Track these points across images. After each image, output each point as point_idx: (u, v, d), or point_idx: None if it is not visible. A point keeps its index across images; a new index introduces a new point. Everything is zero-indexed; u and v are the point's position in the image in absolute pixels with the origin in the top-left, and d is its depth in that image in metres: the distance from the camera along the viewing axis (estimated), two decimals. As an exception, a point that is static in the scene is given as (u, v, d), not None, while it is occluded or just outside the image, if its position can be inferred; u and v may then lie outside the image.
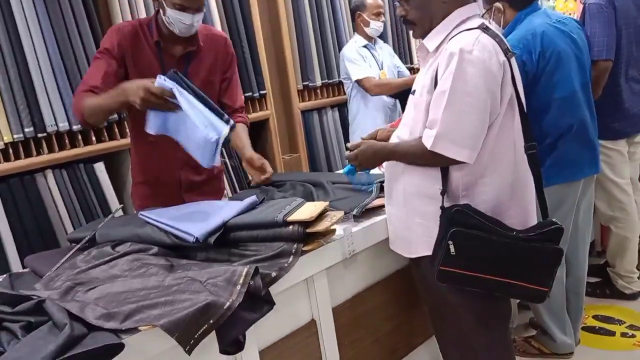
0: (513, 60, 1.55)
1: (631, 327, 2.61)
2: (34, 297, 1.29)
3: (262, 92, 3.15)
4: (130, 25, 1.98)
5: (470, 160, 1.49)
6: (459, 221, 1.47)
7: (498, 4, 2.31)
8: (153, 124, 1.71)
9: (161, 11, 1.92)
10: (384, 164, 1.73)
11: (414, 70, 3.93)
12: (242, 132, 2.11)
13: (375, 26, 3.24)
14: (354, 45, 3.28)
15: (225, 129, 1.65)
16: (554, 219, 1.55)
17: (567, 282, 2.39)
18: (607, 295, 2.90)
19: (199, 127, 1.62)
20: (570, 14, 6.14)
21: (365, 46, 3.28)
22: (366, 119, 3.25)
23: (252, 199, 1.73)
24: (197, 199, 2.01)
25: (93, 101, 1.79)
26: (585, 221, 2.41)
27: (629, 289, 2.86)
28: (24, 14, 2.25)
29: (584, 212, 2.39)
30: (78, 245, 1.71)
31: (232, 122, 1.72)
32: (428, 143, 1.49)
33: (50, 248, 2.21)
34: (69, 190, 2.39)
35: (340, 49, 3.61)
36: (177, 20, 1.88)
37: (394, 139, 1.70)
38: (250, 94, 3.08)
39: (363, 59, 3.21)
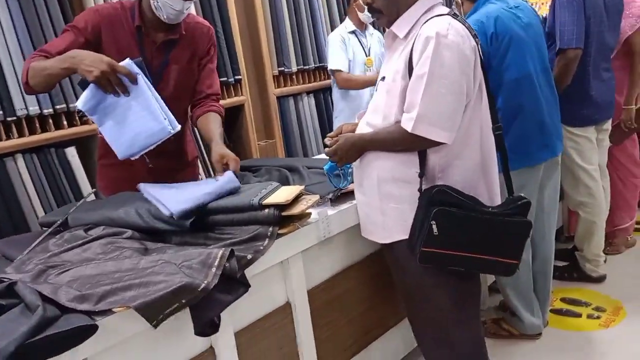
0: (480, 45, 1.59)
1: (597, 308, 2.70)
2: (5, 280, 1.27)
3: (237, 77, 3.13)
4: (111, 7, 1.91)
5: (449, 141, 1.51)
6: (440, 201, 1.50)
7: None
8: (86, 101, 1.68)
9: None
10: None
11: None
12: (214, 121, 2.01)
13: (361, 16, 3.24)
14: (341, 31, 3.30)
15: (178, 127, 1.73)
16: (521, 194, 1.60)
17: (535, 265, 2.46)
18: (575, 279, 2.98)
19: (157, 116, 1.67)
20: (543, 3, 6.24)
21: (353, 32, 3.27)
22: (348, 104, 3.27)
23: (235, 182, 1.70)
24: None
25: (40, 63, 1.70)
26: (551, 204, 2.46)
27: (595, 272, 2.94)
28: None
29: (549, 196, 2.45)
30: (50, 229, 1.69)
31: (178, 127, 1.74)
32: (408, 126, 1.50)
33: (21, 233, 2.18)
34: (39, 174, 2.35)
35: (315, 35, 3.62)
36: (166, 6, 1.83)
37: (362, 127, 1.71)
38: (225, 79, 3.06)
39: (344, 47, 3.21)
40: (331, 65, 3.23)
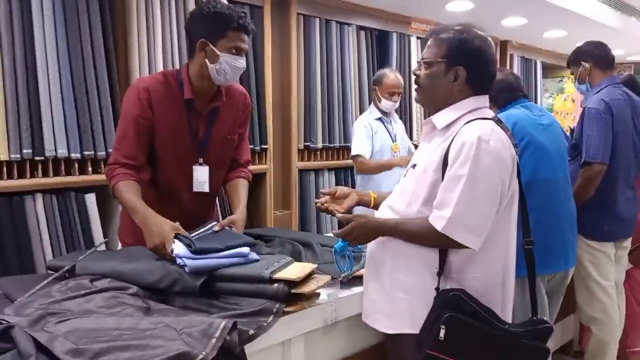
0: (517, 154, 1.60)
1: None
2: (2, 322, 1.25)
3: (263, 146, 3.20)
4: (157, 81, 1.91)
5: (476, 247, 1.48)
6: (454, 306, 1.45)
7: None
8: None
9: (207, 61, 1.84)
10: None
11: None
12: (241, 188, 2.08)
13: (386, 104, 3.31)
14: (367, 118, 3.35)
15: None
16: (545, 318, 1.55)
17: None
18: (584, 399, 2.84)
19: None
20: (567, 113, 6.38)
21: (379, 119, 3.34)
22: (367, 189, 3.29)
23: (252, 255, 1.68)
24: None
25: (123, 195, 1.81)
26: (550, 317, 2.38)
27: (606, 394, 2.80)
28: (44, 43, 2.31)
29: (552, 312, 2.38)
30: (56, 274, 1.67)
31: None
32: (439, 225, 1.47)
33: (27, 272, 2.17)
34: (55, 216, 2.37)
35: (344, 116, 3.71)
36: (232, 66, 1.84)
37: (384, 210, 1.69)
38: (252, 146, 3.12)
39: (369, 134, 3.27)
40: (353, 150, 3.29)
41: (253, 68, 3.15)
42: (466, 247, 1.49)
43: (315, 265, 1.64)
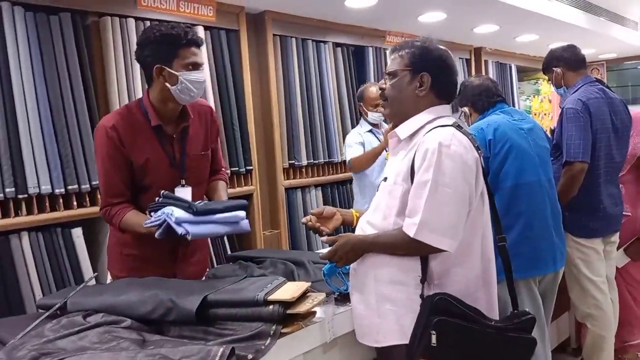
0: (482, 156, 1.63)
1: None
2: (-5, 367, 1.22)
3: (248, 167, 3.20)
4: (121, 116, 1.90)
5: (451, 249, 1.51)
6: (442, 309, 1.47)
7: (465, 109, 2.49)
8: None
9: (168, 85, 1.85)
10: None
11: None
12: (221, 188, 2.14)
13: (372, 116, 3.34)
14: (357, 130, 3.40)
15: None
16: (526, 309, 1.57)
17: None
18: (584, 396, 2.85)
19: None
20: (545, 114, 6.48)
21: (369, 131, 3.37)
22: (363, 199, 3.30)
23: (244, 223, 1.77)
24: (187, 269, 2.03)
25: (128, 221, 1.87)
26: (543, 319, 2.39)
27: (606, 389, 2.81)
28: (21, 78, 2.30)
29: (546, 314, 2.40)
30: (47, 313, 1.65)
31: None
32: (411, 231, 1.51)
33: (17, 314, 2.13)
34: (42, 254, 2.33)
35: (327, 132, 3.73)
36: (193, 82, 1.85)
37: (362, 224, 1.71)
38: (237, 169, 3.12)
39: (361, 142, 3.30)
40: (347, 157, 3.31)
41: (233, 91, 3.16)
42: (442, 251, 1.51)
43: (309, 284, 1.63)
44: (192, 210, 1.61)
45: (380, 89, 1.72)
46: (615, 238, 2.89)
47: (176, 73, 1.83)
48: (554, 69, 2.87)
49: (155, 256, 1.96)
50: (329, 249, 1.68)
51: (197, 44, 1.88)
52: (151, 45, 1.84)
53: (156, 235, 1.71)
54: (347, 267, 1.74)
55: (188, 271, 2.05)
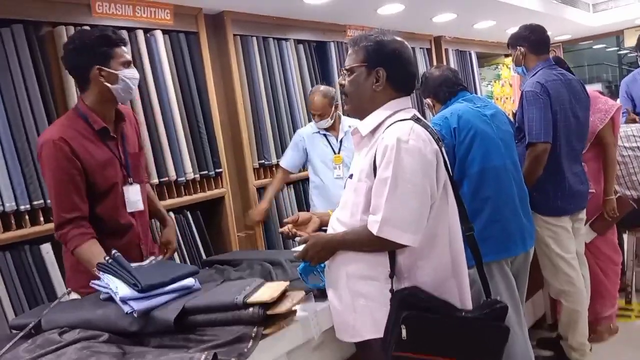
0: (443, 148, 1.65)
1: (587, 401, 2.62)
2: (-29, 394, 1.19)
3: (217, 170, 3.17)
4: (64, 127, 1.91)
5: (414, 244, 1.53)
6: (410, 304, 1.49)
7: (427, 100, 2.53)
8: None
9: (108, 84, 1.90)
10: None
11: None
12: (155, 198, 2.32)
13: (317, 124, 3.26)
14: (304, 131, 3.37)
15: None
16: (497, 298, 1.60)
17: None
18: (562, 370, 2.92)
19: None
20: (507, 98, 6.61)
21: (319, 132, 3.30)
22: (320, 199, 3.31)
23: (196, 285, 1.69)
24: None
25: (84, 255, 1.86)
26: (521, 302, 2.45)
27: (582, 362, 2.89)
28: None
29: (520, 293, 2.45)
30: (21, 333, 1.60)
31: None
32: (374, 228, 1.52)
33: (-11, 337, 2.06)
34: (12, 273, 2.27)
35: (294, 130, 3.72)
36: (131, 79, 1.94)
37: (333, 222, 1.73)
38: (206, 172, 3.09)
39: (296, 147, 3.32)
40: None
41: (197, 94, 3.12)
42: (405, 246, 1.53)
43: (287, 283, 1.63)
44: (138, 288, 1.55)
45: (340, 85, 1.73)
46: (583, 215, 2.97)
47: (116, 72, 1.90)
48: (518, 47, 2.92)
49: None
50: (301, 248, 1.69)
51: (125, 42, 1.98)
52: (87, 50, 1.88)
53: (100, 297, 1.68)
54: (322, 265, 1.75)
55: None
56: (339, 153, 3.29)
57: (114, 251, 1.70)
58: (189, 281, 1.67)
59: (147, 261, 1.78)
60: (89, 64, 1.89)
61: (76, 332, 1.54)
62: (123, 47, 1.95)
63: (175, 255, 2.52)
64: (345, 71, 1.69)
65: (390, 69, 1.63)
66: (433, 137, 1.60)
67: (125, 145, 2.03)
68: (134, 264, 1.70)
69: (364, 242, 1.59)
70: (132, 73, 1.95)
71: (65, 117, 1.98)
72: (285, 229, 1.93)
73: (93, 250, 1.85)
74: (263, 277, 1.85)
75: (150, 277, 1.60)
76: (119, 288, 1.58)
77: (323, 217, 1.98)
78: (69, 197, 1.86)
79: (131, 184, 2.02)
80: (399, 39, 1.68)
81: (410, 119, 1.60)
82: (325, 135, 3.30)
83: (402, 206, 1.51)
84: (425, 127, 1.61)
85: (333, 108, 3.23)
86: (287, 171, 3.33)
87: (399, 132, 1.54)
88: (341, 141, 3.32)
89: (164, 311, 1.52)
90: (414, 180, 1.51)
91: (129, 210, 2.01)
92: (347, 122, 3.35)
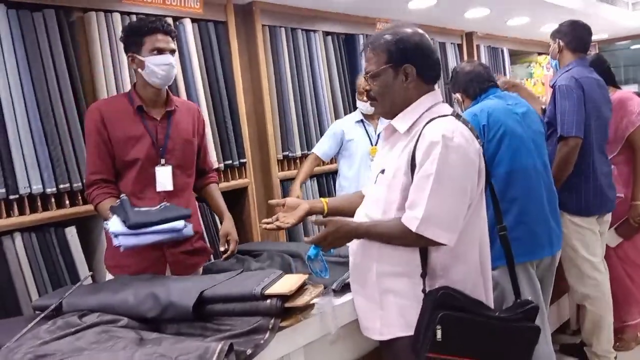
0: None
1: (610, 411, 2.56)
2: (-9, 372, 1.21)
3: (242, 160, 3.17)
4: (107, 101, 2.19)
5: (451, 243, 1.50)
6: (445, 304, 1.46)
7: (457, 96, 2.48)
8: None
9: (140, 70, 2.06)
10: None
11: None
12: (216, 193, 2.37)
13: (360, 105, 3.24)
14: (345, 120, 3.36)
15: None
16: (529, 298, 1.57)
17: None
18: (585, 376, 2.86)
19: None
20: (538, 97, 6.47)
21: (360, 121, 3.28)
22: (345, 188, 3.29)
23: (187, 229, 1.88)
24: (178, 256, 2.12)
25: (104, 207, 1.99)
26: (542, 303, 2.39)
27: (606, 370, 2.82)
28: (7, 77, 2.25)
29: (545, 299, 2.40)
30: (43, 314, 1.63)
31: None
32: (412, 225, 1.48)
33: (12, 316, 2.10)
34: (37, 254, 2.29)
35: (320, 122, 3.69)
36: (158, 65, 2.02)
37: (361, 217, 1.69)
38: (230, 162, 3.09)
39: (333, 136, 3.30)
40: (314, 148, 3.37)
41: (223, 83, 3.12)
42: (441, 245, 1.49)
43: (306, 276, 1.62)
44: (126, 224, 1.73)
45: (366, 90, 1.69)
46: (608, 218, 2.90)
47: (142, 59, 2.03)
48: (558, 40, 2.85)
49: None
50: (316, 234, 1.64)
51: (163, 30, 2.05)
52: (125, 38, 2.09)
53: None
54: (332, 251, 1.72)
55: (178, 257, 2.12)
56: (376, 145, 3.25)
57: (122, 195, 1.94)
58: (178, 224, 1.82)
59: (158, 206, 1.95)
60: (126, 50, 2.10)
61: (95, 316, 1.56)
62: (158, 35, 2.04)
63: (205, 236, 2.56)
64: (369, 77, 1.64)
65: (417, 63, 1.60)
66: (473, 134, 1.57)
67: (168, 128, 2.12)
68: (143, 208, 1.90)
69: (395, 237, 1.54)
70: (159, 60, 2.03)
71: (114, 95, 2.27)
72: (267, 221, 1.88)
73: (109, 205, 1.96)
74: (283, 269, 1.84)
75: (143, 218, 1.77)
76: (112, 223, 1.76)
77: (314, 204, 1.93)
78: (96, 161, 2.04)
79: (163, 165, 2.09)
80: (417, 30, 1.64)
81: (450, 115, 1.56)
82: (364, 124, 3.27)
83: (444, 205, 1.48)
84: (466, 124, 1.57)
85: None
86: (319, 159, 3.32)
87: (443, 129, 1.50)
88: (379, 134, 3.28)
89: (183, 298, 1.53)
90: (458, 179, 1.49)
91: (158, 189, 2.09)
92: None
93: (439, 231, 1.47)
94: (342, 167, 3.36)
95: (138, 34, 2.05)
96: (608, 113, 2.81)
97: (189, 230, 1.90)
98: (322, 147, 3.31)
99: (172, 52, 2.08)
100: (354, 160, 3.26)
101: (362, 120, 3.27)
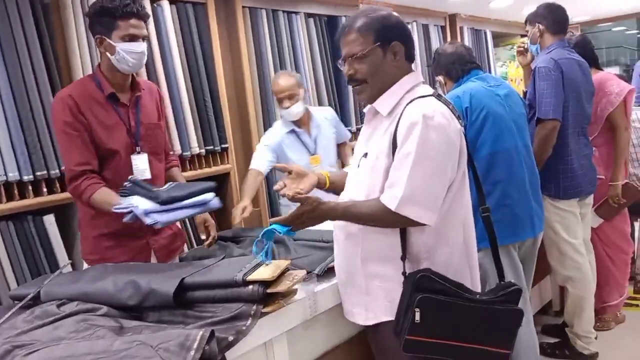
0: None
1: (591, 388, 2.61)
2: (-34, 363, 1.18)
3: (223, 145, 3.13)
4: (76, 87, 2.00)
5: (431, 223, 1.49)
6: (424, 287, 1.45)
7: (439, 78, 2.46)
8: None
9: (108, 54, 1.94)
10: (333, 226, 1.69)
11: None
12: (180, 177, 2.30)
13: (284, 113, 2.84)
14: (277, 127, 2.95)
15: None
16: (512, 280, 1.57)
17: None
18: (567, 357, 2.90)
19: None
20: (521, 80, 6.48)
21: (292, 131, 2.89)
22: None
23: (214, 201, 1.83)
24: (160, 240, 2.10)
25: (100, 198, 1.89)
26: (524, 284, 2.41)
27: (587, 349, 2.86)
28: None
29: (527, 279, 2.42)
30: (20, 304, 1.60)
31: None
32: (392, 204, 1.47)
33: (-10, 306, 2.07)
34: (14, 243, 2.25)
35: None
36: (130, 52, 1.92)
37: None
38: (212, 147, 3.05)
39: (270, 148, 2.85)
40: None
41: (203, 66, 3.06)
42: (420, 224, 1.48)
43: (288, 262, 1.61)
44: (158, 200, 1.64)
45: (348, 75, 1.64)
46: (590, 200, 2.92)
47: (114, 44, 1.91)
48: (537, 24, 2.84)
49: (126, 230, 1.97)
50: (290, 211, 1.57)
51: (138, 15, 1.93)
52: (95, 17, 1.94)
53: (124, 220, 1.71)
54: (293, 233, 1.61)
55: (161, 242, 2.10)
56: (315, 153, 2.93)
57: (131, 176, 1.84)
58: (208, 196, 1.78)
59: (166, 186, 1.89)
60: (94, 32, 1.96)
61: (74, 305, 1.53)
62: (132, 20, 1.92)
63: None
64: (354, 59, 1.59)
65: (403, 40, 1.59)
66: (454, 115, 1.55)
67: (138, 114, 2.05)
68: (154, 188, 1.81)
69: (375, 217, 1.52)
70: (132, 47, 1.93)
71: (79, 80, 2.08)
72: (282, 184, 1.72)
73: (107, 192, 1.89)
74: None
75: (172, 193, 1.71)
76: (140, 203, 1.66)
77: (319, 176, 1.84)
78: (78, 151, 1.92)
79: (139, 152, 2.03)
80: (389, 9, 1.65)
81: (431, 95, 1.55)
82: (297, 133, 2.90)
83: (424, 184, 1.47)
84: (446, 104, 1.56)
85: (302, 90, 2.86)
86: (261, 173, 2.82)
87: (424, 109, 1.49)
88: (315, 139, 2.95)
89: (163, 285, 1.50)
90: (438, 158, 1.47)
91: (137, 176, 2.01)
92: (319, 115, 3.01)
93: (419, 210, 1.47)
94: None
95: (110, 16, 1.91)
96: (589, 95, 2.82)
97: (215, 202, 1.84)
98: (260, 161, 2.84)
99: (144, 38, 1.99)
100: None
101: (293, 130, 2.90)
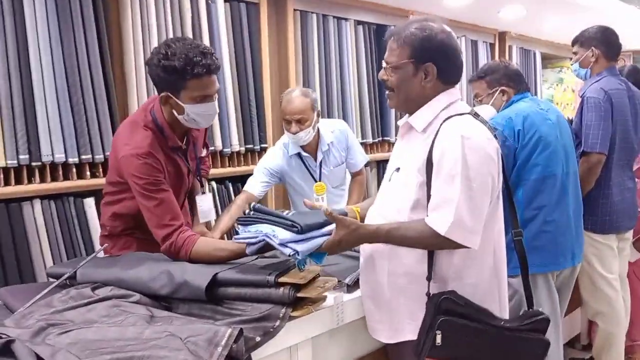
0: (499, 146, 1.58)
1: None
2: (3, 336, 1.22)
3: (263, 145, 3.16)
4: (150, 141, 1.77)
5: (475, 246, 1.46)
6: (447, 309, 1.44)
7: (502, 88, 2.39)
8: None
9: (175, 112, 1.77)
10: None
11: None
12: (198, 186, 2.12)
13: (291, 137, 2.55)
14: (274, 154, 2.67)
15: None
16: (540, 309, 1.54)
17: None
18: (592, 392, 2.83)
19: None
20: (567, 104, 6.35)
21: (297, 154, 2.65)
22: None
23: None
24: None
25: (199, 251, 1.70)
26: (559, 314, 2.36)
27: (613, 387, 2.78)
28: (38, 46, 2.25)
29: (562, 303, 2.36)
30: (57, 282, 1.65)
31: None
32: (442, 229, 1.43)
33: (27, 281, 2.13)
34: (54, 222, 2.32)
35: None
36: (201, 115, 1.76)
37: (374, 217, 1.64)
38: (251, 146, 3.09)
39: (271, 173, 2.63)
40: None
41: (250, 66, 3.10)
42: (465, 247, 1.46)
43: (319, 268, 1.61)
44: (297, 230, 1.48)
45: (382, 80, 1.64)
46: (629, 235, 2.84)
47: (182, 105, 1.73)
48: (592, 48, 2.74)
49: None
50: (327, 236, 1.50)
51: (210, 71, 1.72)
52: (160, 71, 1.70)
53: (247, 251, 1.59)
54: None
55: None
56: (320, 180, 2.70)
57: (253, 203, 1.64)
58: (330, 227, 1.55)
59: (286, 213, 1.64)
60: (161, 86, 1.75)
61: (108, 289, 1.57)
62: (204, 79, 1.71)
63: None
64: (389, 68, 1.58)
65: (439, 63, 1.54)
66: (492, 134, 1.54)
67: (196, 152, 1.92)
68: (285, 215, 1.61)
69: (420, 240, 1.48)
70: (203, 109, 1.75)
71: (145, 127, 1.80)
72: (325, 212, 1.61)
73: (205, 240, 1.74)
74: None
75: (304, 221, 1.51)
76: (277, 232, 1.51)
77: (350, 213, 1.78)
78: (170, 207, 1.74)
79: (204, 193, 1.94)
80: (445, 28, 1.58)
81: (468, 114, 1.53)
82: (302, 158, 2.66)
83: (472, 207, 1.44)
84: (483, 122, 1.55)
85: (315, 114, 2.56)
86: (252, 197, 2.55)
87: (460, 128, 1.47)
88: (321, 164, 2.69)
89: (197, 278, 1.52)
90: (481, 179, 1.45)
91: (201, 220, 1.94)
92: (327, 138, 2.69)
93: (467, 234, 1.44)
94: (290, 194, 2.88)
95: (180, 77, 1.69)
96: (638, 127, 2.74)
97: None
98: (255, 185, 2.60)
99: (216, 94, 1.80)
100: (298, 191, 2.76)
101: (299, 154, 2.66)
